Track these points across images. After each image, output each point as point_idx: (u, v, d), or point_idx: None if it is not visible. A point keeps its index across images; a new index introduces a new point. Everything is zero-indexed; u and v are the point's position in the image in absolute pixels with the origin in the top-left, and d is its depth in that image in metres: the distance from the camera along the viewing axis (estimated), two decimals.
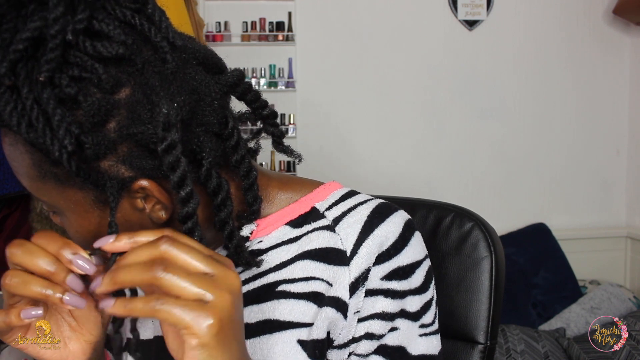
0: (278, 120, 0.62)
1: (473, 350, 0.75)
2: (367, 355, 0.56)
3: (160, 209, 0.50)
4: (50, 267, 0.45)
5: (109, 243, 0.45)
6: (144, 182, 0.47)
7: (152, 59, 0.47)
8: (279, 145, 0.62)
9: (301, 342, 0.55)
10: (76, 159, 0.44)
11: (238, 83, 0.55)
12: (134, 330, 0.55)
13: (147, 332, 0.63)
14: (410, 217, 0.60)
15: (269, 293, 0.57)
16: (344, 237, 0.57)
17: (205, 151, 0.50)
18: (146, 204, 0.50)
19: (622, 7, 2.46)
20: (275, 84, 2.53)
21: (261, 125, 0.61)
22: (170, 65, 0.47)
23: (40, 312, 0.48)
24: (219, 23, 2.50)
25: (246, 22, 2.51)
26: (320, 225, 0.59)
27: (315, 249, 0.57)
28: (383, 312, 0.56)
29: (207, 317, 0.40)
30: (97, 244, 0.45)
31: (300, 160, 0.62)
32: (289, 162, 2.56)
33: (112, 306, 0.42)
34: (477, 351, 0.75)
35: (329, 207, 0.60)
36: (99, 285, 0.43)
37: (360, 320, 0.56)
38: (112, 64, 0.45)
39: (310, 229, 0.59)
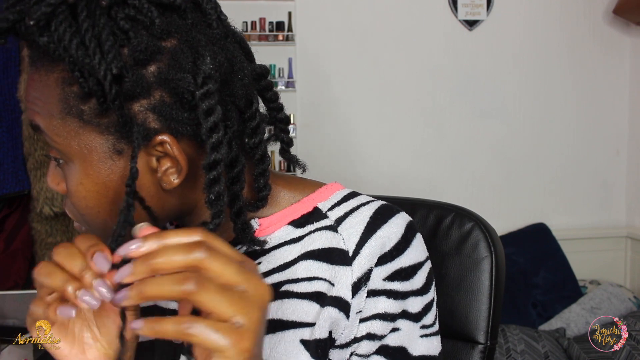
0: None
1: (473, 350, 0.75)
2: (368, 356, 0.56)
3: (174, 173, 0.50)
4: (81, 268, 0.42)
5: (133, 249, 0.40)
6: (165, 137, 0.48)
7: (200, 22, 0.50)
8: (285, 152, 0.63)
9: (304, 342, 0.55)
10: (115, 89, 0.45)
11: (265, 75, 0.58)
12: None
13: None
14: (411, 219, 0.60)
15: (273, 293, 0.57)
16: (346, 237, 0.57)
17: (230, 120, 0.51)
18: (160, 166, 0.50)
19: (622, 7, 2.46)
20: (275, 84, 2.53)
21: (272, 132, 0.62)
22: (215, 31, 0.50)
23: (72, 312, 0.43)
24: None
25: (246, 22, 2.50)
26: (323, 225, 0.59)
27: (318, 249, 0.58)
28: (385, 312, 0.56)
29: (243, 341, 0.38)
30: (121, 251, 0.40)
31: (304, 170, 0.63)
32: (288, 163, 2.56)
33: (140, 328, 0.39)
34: (477, 351, 0.75)
35: (331, 208, 0.60)
36: (125, 297, 0.39)
37: (362, 320, 0.56)
38: (166, 13, 0.47)
39: (312, 229, 0.59)
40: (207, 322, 0.38)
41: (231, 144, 0.51)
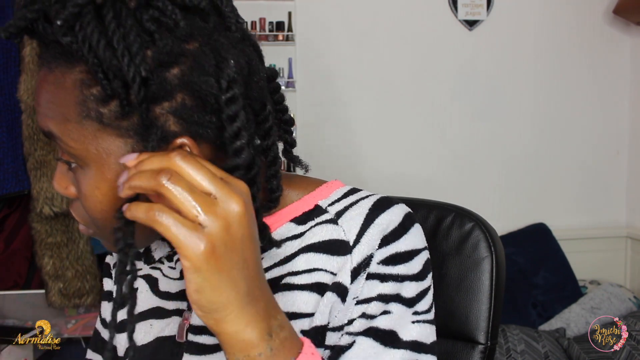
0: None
1: (473, 350, 0.75)
2: (357, 334, 0.56)
3: None
4: None
5: (124, 161, 0.46)
6: (185, 140, 0.48)
7: (220, 25, 0.50)
8: (289, 153, 0.64)
9: (303, 332, 0.56)
10: (143, 91, 0.45)
11: (274, 77, 0.58)
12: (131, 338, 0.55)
13: (147, 336, 0.63)
14: (410, 210, 0.61)
15: (274, 287, 0.57)
16: (347, 229, 0.58)
17: (248, 122, 0.51)
18: None
19: (622, 7, 2.45)
20: None
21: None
22: (235, 34, 0.51)
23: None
24: None
25: (246, 22, 2.49)
26: (324, 220, 0.60)
27: (319, 241, 0.59)
28: (379, 294, 0.57)
29: (199, 240, 0.41)
30: (122, 160, 0.47)
31: (307, 170, 0.64)
32: (289, 162, 2.55)
33: (126, 208, 0.43)
34: (477, 351, 0.75)
35: (332, 204, 0.61)
36: (120, 190, 0.44)
37: (357, 302, 0.57)
38: (188, 16, 0.47)
39: (313, 224, 0.60)
40: (175, 215, 0.41)
41: (249, 145, 0.51)
